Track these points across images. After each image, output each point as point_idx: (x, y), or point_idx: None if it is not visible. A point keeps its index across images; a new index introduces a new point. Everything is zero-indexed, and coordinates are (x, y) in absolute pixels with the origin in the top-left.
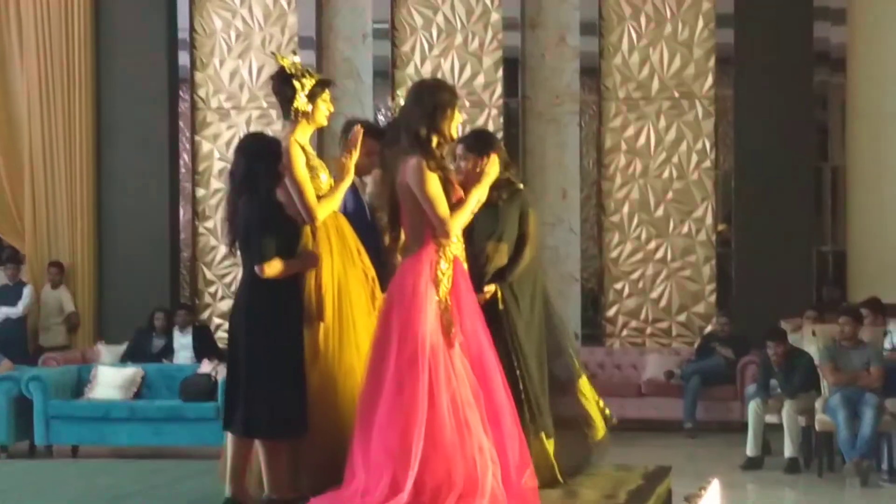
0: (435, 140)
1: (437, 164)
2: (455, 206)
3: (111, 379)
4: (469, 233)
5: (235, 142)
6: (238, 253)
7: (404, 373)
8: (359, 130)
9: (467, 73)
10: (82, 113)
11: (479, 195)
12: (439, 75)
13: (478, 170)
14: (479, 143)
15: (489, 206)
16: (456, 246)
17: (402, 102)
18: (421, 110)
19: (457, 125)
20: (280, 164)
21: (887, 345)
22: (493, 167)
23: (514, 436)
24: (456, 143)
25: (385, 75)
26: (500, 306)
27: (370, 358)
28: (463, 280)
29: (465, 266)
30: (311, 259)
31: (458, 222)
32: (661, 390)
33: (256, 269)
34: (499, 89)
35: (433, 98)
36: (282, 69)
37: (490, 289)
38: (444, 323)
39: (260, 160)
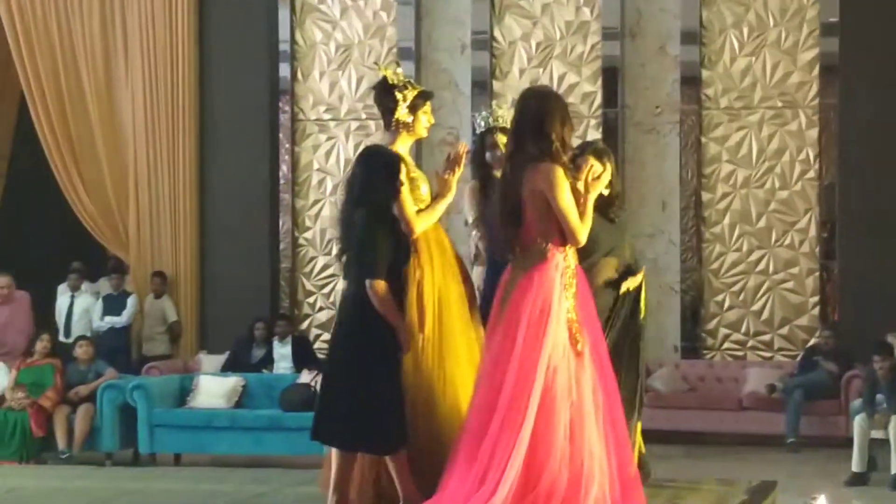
0: (562, 148)
1: (567, 172)
2: (581, 214)
3: (213, 388)
4: (590, 246)
5: (334, 153)
6: (343, 263)
7: (523, 379)
8: (463, 147)
9: (566, 83)
10: (185, 125)
11: (592, 202)
12: (538, 85)
13: (591, 178)
14: (600, 151)
15: (606, 221)
16: (574, 253)
17: (501, 114)
18: (551, 117)
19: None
20: (399, 179)
21: None
22: (606, 175)
23: (626, 442)
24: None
25: (483, 86)
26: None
27: (486, 361)
28: (583, 287)
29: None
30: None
31: (587, 229)
32: (762, 404)
33: (367, 283)
34: (598, 99)
35: (560, 105)
36: (384, 80)
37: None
38: (573, 331)
39: (380, 173)
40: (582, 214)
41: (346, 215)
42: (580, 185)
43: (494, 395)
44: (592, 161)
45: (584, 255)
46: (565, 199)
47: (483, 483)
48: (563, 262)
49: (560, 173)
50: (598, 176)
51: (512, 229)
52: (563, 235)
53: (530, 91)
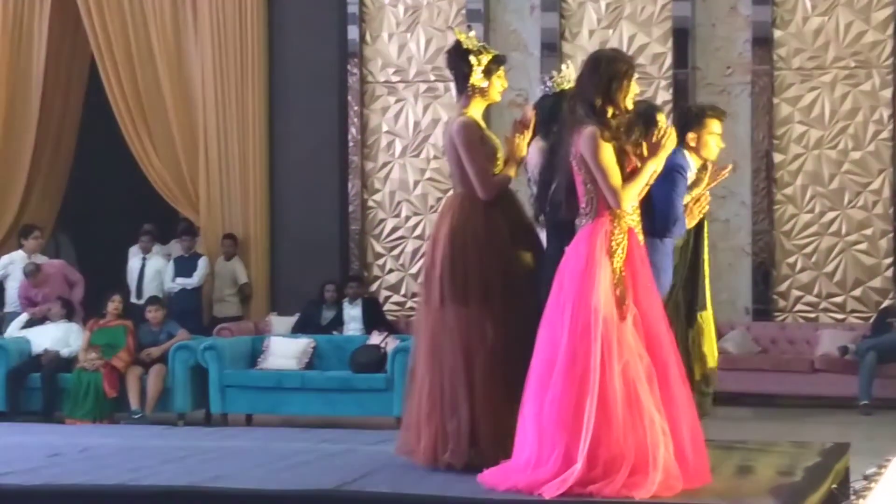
0: (610, 111)
1: (611, 135)
2: (629, 176)
3: (283, 349)
4: None
5: (403, 116)
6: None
7: (577, 344)
8: (530, 110)
9: (636, 44)
10: (254, 88)
11: (654, 167)
12: (608, 47)
13: (654, 141)
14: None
15: None
16: (631, 217)
17: (564, 75)
18: (597, 80)
19: (632, 96)
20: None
21: None
22: (670, 140)
23: (688, 413)
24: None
25: (553, 48)
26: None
27: (542, 327)
28: (638, 252)
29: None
30: None
31: (632, 193)
32: (835, 366)
33: None
34: (668, 60)
35: (609, 68)
36: (458, 44)
37: None
38: (618, 295)
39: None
40: (630, 178)
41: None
42: (644, 150)
43: (550, 362)
44: (661, 124)
45: None
46: (603, 161)
47: (551, 454)
48: (608, 225)
49: (597, 134)
50: (662, 140)
51: (566, 192)
52: (607, 199)
53: (593, 54)
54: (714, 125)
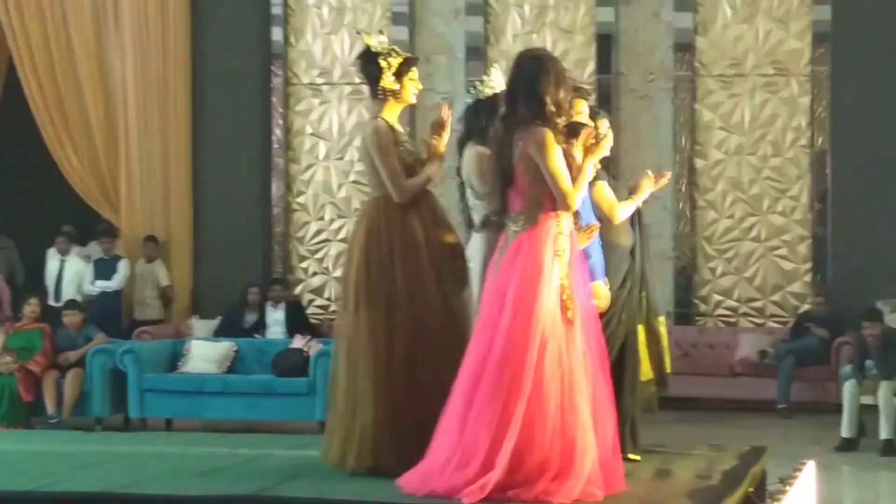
0: (557, 112)
1: (560, 137)
2: (573, 179)
3: (205, 353)
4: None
5: (328, 118)
6: None
7: (513, 348)
8: (447, 111)
9: (560, 49)
10: (177, 89)
11: (593, 168)
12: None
13: (591, 142)
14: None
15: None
16: (569, 220)
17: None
18: (545, 80)
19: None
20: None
21: None
22: (605, 142)
23: (610, 415)
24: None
25: (477, 51)
26: None
27: (478, 329)
28: (578, 255)
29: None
30: None
31: (578, 196)
32: (754, 370)
33: None
34: (591, 66)
35: (557, 69)
36: (367, 49)
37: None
38: (564, 299)
39: None
40: (575, 179)
41: None
42: (577, 150)
43: (481, 364)
44: (597, 124)
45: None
46: (554, 162)
47: (473, 458)
48: (555, 227)
49: (550, 137)
50: (599, 140)
51: (504, 193)
52: (555, 200)
53: (525, 53)
54: (579, 104)
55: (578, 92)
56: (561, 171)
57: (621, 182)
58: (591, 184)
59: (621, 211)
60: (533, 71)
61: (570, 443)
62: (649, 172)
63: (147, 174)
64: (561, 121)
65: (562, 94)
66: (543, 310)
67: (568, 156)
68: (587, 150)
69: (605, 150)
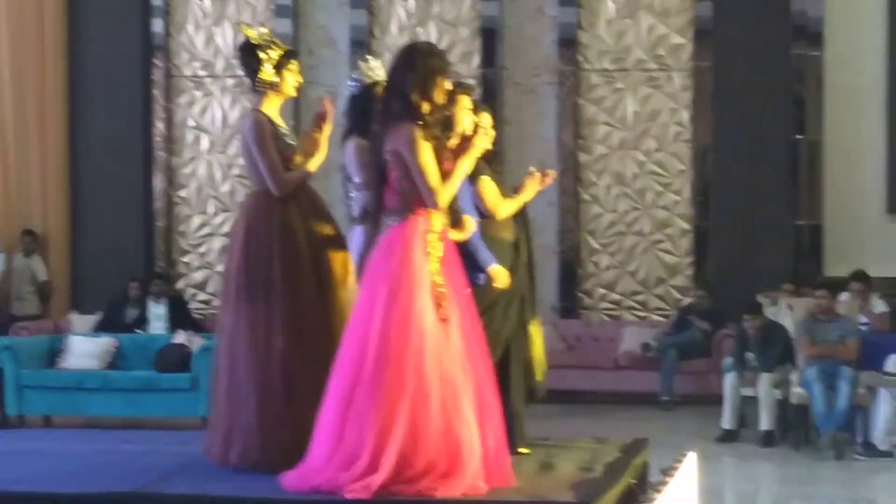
0: (427, 107)
1: (430, 133)
2: (444, 175)
3: (84, 349)
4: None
5: (210, 110)
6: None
7: (389, 345)
8: (329, 104)
9: (444, 42)
10: (54, 80)
11: (466, 165)
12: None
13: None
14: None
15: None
16: (440, 218)
17: (370, 67)
18: (413, 76)
19: (445, 92)
20: None
21: (865, 317)
22: (482, 138)
23: (494, 410)
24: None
25: (362, 44)
26: None
27: (351, 326)
28: (452, 252)
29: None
30: None
31: (449, 192)
32: (637, 363)
33: None
34: (476, 59)
35: (426, 64)
36: (247, 41)
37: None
38: (437, 296)
39: None
40: (447, 176)
41: None
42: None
43: (358, 362)
44: (479, 119)
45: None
46: (422, 159)
47: (357, 459)
48: (424, 225)
49: (417, 133)
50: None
51: (379, 189)
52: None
53: (403, 48)
54: (464, 101)
55: (462, 87)
56: (429, 168)
57: (506, 176)
58: (476, 178)
59: (505, 208)
60: (403, 67)
61: (456, 443)
62: (533, 170)
63: (24, 167)
64: (432, 117)
65: (435, 90)
66: (417, 308)
67: (439, 152)
68: (462, 148)
69: (482, 146)
